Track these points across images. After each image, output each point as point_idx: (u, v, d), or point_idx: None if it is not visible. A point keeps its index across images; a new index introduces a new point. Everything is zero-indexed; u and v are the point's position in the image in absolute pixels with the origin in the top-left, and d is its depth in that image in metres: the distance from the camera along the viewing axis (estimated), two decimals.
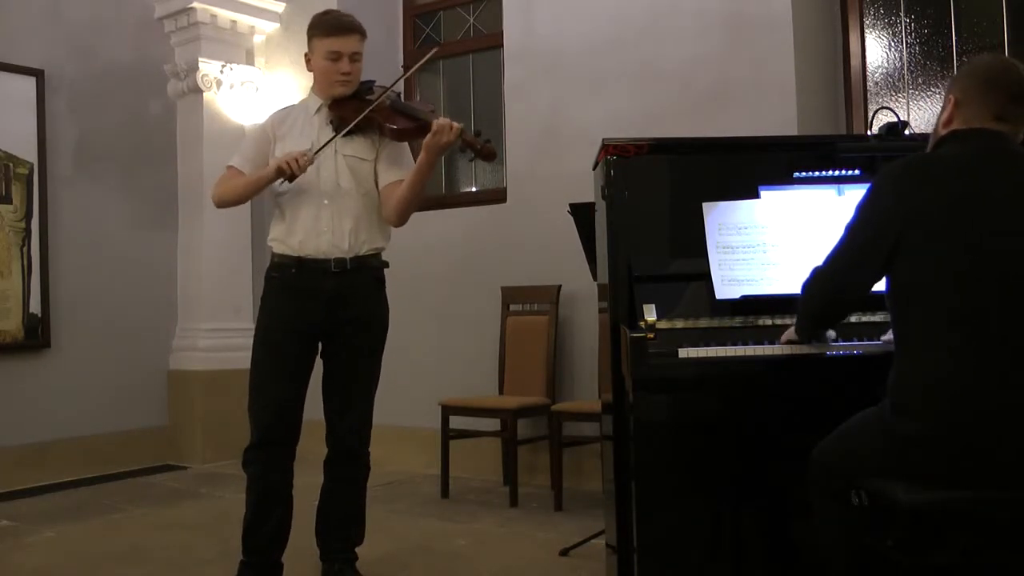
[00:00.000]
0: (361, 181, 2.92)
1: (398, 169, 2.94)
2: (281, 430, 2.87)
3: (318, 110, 2.96)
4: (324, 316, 2.88)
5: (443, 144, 2.77)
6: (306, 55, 2.98)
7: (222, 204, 3.01)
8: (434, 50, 3.21)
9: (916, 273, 1.91)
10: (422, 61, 3.09)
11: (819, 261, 2.35)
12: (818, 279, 2.12)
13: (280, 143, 2.94)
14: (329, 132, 2.90)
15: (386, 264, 3.03)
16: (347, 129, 2.86)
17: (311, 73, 2.99)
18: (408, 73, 3.03)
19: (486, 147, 2.83)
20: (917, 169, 1.99)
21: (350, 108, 2.91)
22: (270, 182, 2.86)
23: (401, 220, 2.95)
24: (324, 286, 2.86)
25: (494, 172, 5.33)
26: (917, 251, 1.90)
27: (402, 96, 3.01)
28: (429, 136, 2.76)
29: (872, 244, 1.96)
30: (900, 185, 1.96)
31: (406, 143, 3.02)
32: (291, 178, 2.79)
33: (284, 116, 3.03)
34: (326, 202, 2.87)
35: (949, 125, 2.05)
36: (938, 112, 2.12)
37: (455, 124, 2.77)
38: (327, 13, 3.00)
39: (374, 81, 3.04)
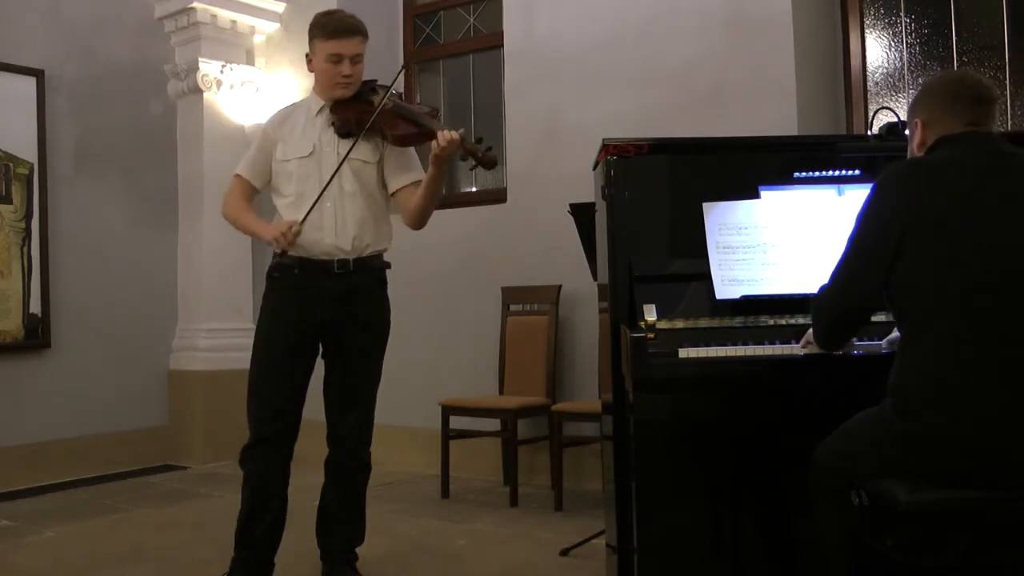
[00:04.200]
0: (364, 183, 2.92)
1: (409, 172, 2.96)
2: (279, 429, 2.87)
3: (320, 111, 2.95)
4: (326, 316, 2.88)
5: (449, 156, 2.79)
6: (307, 55, 2.96)
7: (226, 220, 3.08)
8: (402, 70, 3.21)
9: (918, 273, 1.91)
10: (397, 75, 3.08)
11: (819, 261, 2.34)
12: (828, 295, 2.09)
13: (282, 144, 2.94)
14: (331, 134, 2.90)
15: (388, 265, 3.03)
16: (346, 155, 2.86)
17: (312, 73, 2.98)
18: (401, 70, 3.01)
19: (487, 155, 2.82)
20: (915, 172, 2.00)
21: (352, 110, 2.90)
22: (255, 236, 3.01)
23: (421, 224, 3.00)
24: (327, 286, 2.86)
25: (494, 172, 5.32)
26: (919, 252, 1.90)
27: (403, 96, 3.00)
28: (435, 151, 2.77)
29: (877, 250, 1.96)
30: (900, 188, 1.96)
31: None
32: (281, 253, 2.83)
33: (285, 117, 3.02)
34: (329, 204, 2.86)
35: (924, 146, 2.07)
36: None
37: (455, 134, 2.76)
38: (329, 14, 2.98)
39: (375, 80, 3.02)
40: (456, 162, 2.88)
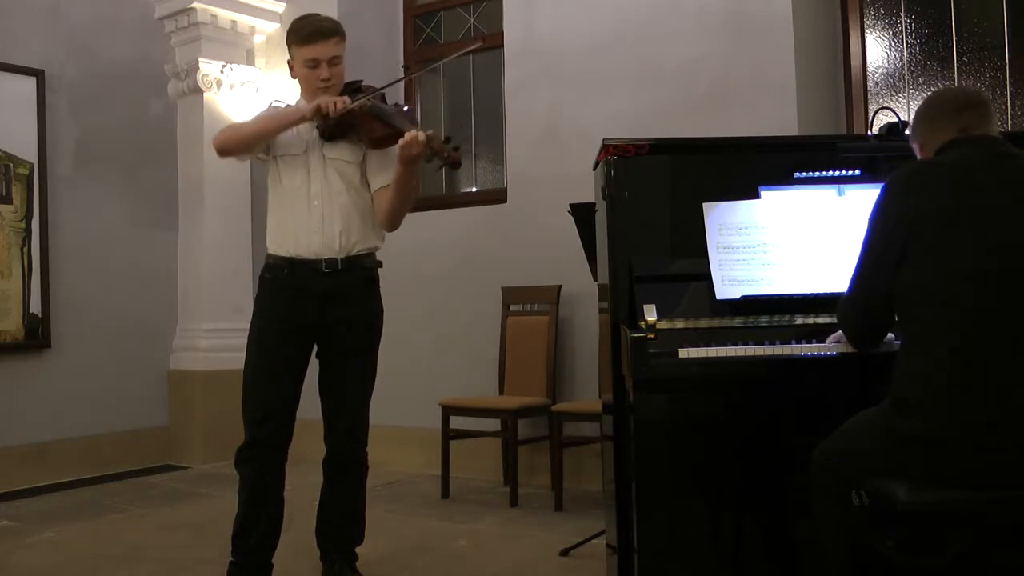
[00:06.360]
0: (349, 182, 2.92)
1: (388, 173, 2.92)
2: (272, 431, 2.87)
3: None
4: (317, 316, 2.88)
5: (414, 156, 2.75)
6: (288, 62, 2.97)
7: (229, 147, 2.92)
8: (420, 68, 3.19)
9: (921, 274, 1.92)
10: (418, 72, 3.06)
11: (820, 261, 2.35)
12: (848, 302, 2.12)
13: (280, 137, 2.92)
14: (317, 135, 2.90)
15: (380, 264, 3.02)
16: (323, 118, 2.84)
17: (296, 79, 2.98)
18: (396, 81, 3.00)
19: (452, 155, 2.79)
20: (921, 173, 2.03)
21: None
22: (300, 121, 2.82)
23: (393, 226, 2.98)
24: (315, 286, 2.86)
25: (494, 172, 5.33)
26: (923, 252, 1.92)
27: (385, 99, 3.00)
28: (399, 151, 2.74)
29: (887, 252, 1.98)
30: (906, 189, 1.99)
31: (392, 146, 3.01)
32: (324, 117, 2.78)
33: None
34: (316, 203, 2.88)
35: None
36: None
37: (422, 134, 2.72)
38: (303, 19, 2.95)
39: (361, 81, 3.02)
40: (423, 163, 2.85)
